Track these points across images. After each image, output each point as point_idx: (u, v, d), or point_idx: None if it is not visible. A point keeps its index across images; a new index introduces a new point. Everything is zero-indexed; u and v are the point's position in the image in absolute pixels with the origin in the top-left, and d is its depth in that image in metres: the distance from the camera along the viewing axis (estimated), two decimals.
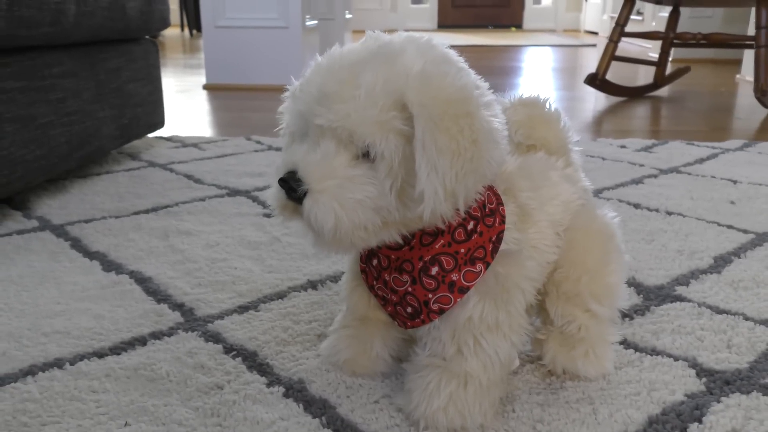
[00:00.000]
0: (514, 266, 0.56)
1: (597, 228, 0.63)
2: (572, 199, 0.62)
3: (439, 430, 0.56)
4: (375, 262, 0.58)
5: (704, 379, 0.63)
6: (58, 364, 0.66)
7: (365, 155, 0.49)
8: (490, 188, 0.56)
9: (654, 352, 0.68)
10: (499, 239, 0.55)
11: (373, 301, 0.63)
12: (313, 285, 0.84)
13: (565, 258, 0.61)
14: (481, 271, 0.54)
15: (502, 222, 0.56)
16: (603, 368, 0.64)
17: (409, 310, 0.57)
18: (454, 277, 0.54)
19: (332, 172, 0.49)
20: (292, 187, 0.49)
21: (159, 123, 1.62)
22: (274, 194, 0.52)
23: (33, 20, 1.03)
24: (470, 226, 0.54)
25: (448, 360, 0.57)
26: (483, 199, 0.54)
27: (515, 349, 0.58)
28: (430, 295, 0.55)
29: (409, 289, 0.55)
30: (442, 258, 0.54)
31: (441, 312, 0.55)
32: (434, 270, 0.54)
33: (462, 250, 0.54)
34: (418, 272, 0.55)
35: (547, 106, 0.65)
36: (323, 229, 0.49)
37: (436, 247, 0.54)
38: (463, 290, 0.54)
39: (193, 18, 6.05)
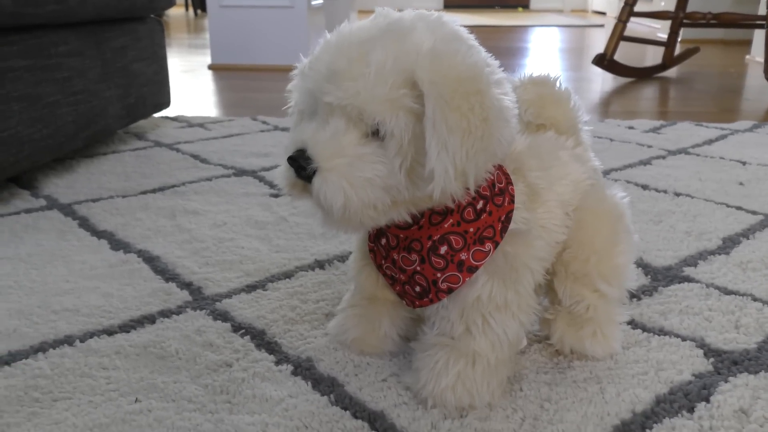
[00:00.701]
0: (523, 246, 0.56)
1: (606, 208, 0.63)
2: (582, 179, 0.61)
3: (447, 409, 0.56)
4: (384, 241, 0.58)
5: (712, 359, 0.63)
6: (68, 341, 0.66)
7: (375, 133, 0.49)
8: (500, 167, 0.56)
9: (662, 332, 0.68)
10: (509, 219, 0.55)
11: (381, 281, 0.63)
12: (320, 264, 0.84)
13: (574, 238, 0.61)
14: (490, 250, 0.54)
15: (512, 201, 0.55)
16: (611, 348, 0.64)
17: (417, 289, 0.57)
18: (463, 256, 0.54)
19: (341, 150, 0.48)
20: (301, 165, 0.49)
21: (165, 103, 1.62)
22: (282, 172, 0.51)
23: None
24: (479, 205, 0.54)
25: (456, 339, 0.57)
26: (492, 178, 0.54)
27: (523, 328, 0.58)
28: (438, 275, 0.55)
29: (418, 268, 0.55)
30: (451, 237, 0.54)
31: (449, 291, 0.55)
32: (443, 249, 0.54)
33: (471, 230, 0.54)
34: (427, 251, 0.55)
35: (558, 84, 0.65)
36: (332, 207, 0.48)
37: (445, 226, 0.54)
38: (472, 269, 0.54)
39: None
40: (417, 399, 0.58)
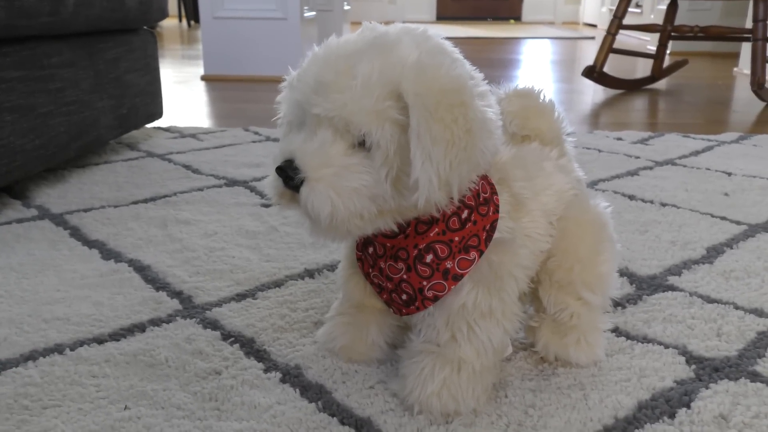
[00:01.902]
0: (508, 254, 0.57)
1: (589, 218, 0.64)
2: (565, 189, 0.63)
3: (432, 415, 0.57)
4: (371, 250, 0.59)
5: (694, 366, 0.64)
6: (58, 349, 0.67)
7: (361, 144, 0.50)
8: (485, 177, 0.57)
9: (645, 339, 0.69)
10: (493, 228, 0.56)
11: (369, 289, 0.64)
12: (310, 274, 0.85)
13: (558, 247, 0.62)
14: (474, 259, 0.55)
15: (496, 211, 0.57)
16: (594, 355, 0.65)
17: (404, 297, 0.58)
18: (449, 264, 0.55)
19: (329, 160, 0.50)
20: (289, 175, 0.50)
21: (157, 113, 1.63)
22: (271, 182, 0.52)
23: (32, 10, 1.04)
24: (464, 214, 0.55)
25: (442, 346, 0.58)
26: (477, 188, 0.55)
27: (508, 336, 0.59)
28: (424, 283, 0.56)
29: (404, 276, 0.56)
30: (437, 246, 0.55)
31: (435, 299, 0.56)
32: (429, 258, 0.55)
33: (456, 239, 0.55)
34: (413, 260, 0.56)
35: (541, 97, 0.66)
36: (320, 216, 0.49)
37: (431, 235, 0.55)
38: (457, 278, 0.55)
39: (191, 9, 6.03)
40: (403, 405, 0.58)
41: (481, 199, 0.56)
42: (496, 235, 0.56)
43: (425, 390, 0.57)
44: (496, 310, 0.57)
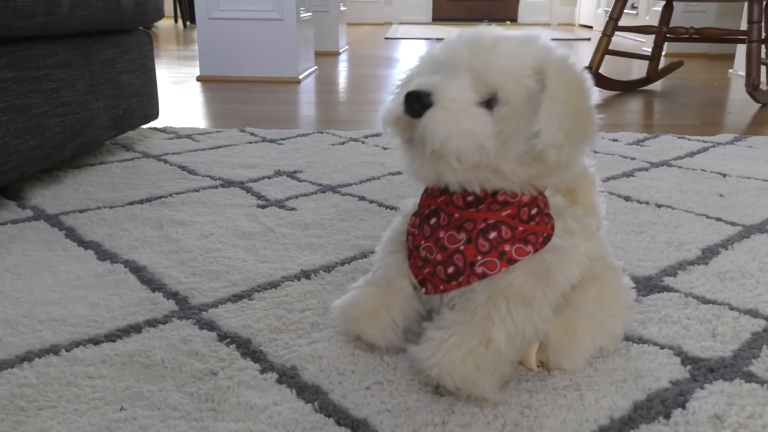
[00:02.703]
0: (559, 258, 0.60)
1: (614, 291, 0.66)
2: (595, 257, 0.65)
3: (451, 379, 0.57)
4: (433, 221, 0.61)
5: (689, 367, 0.65)
6: (54, 350, 0.66)
7: (488, 103, 0.55)
8: (546, 202, 0.61)
9: (641, 340, 0.70)
10: (547, 240, 0.60)
11: (404, 269, 0.65)
12: (306, 275, 0.85)
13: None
14: (531, 252, 0.59)
15: (553, 228, 0.61)
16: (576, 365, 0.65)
17: (450, 270, 0.60)
18: (507, 248, 0.59)
19: (460, 99, 0.55)
20: (421, 97, 0.54)
21: (153, 114, 1.63)
22: (390, 108, 0.57)
23: (27, 10, 1.04)
24: (534, 211, 0.60)
25: (475, 321, 0.58)
26: (545, 200, 0.61)
27: (535, 336, 0.60)
28: (479, 257, 0.58)
29: (461, 247, 0.59)
30: (503, 227, 0.59)
31: (483, 276, 0.58)
32: (492, 234, 0.59)
33: (520, 228, 0.59)
34: (477, 232, 0.59)
35: (590, 170, 0.71)
36: (434, 140, 0.54)
37: (502, 214, 0.59)
38: (511, 261, 0.58)
39: (187, 10, 6.03)
40: (419, 368, 0.59)
41: (546, 210, 0.61)
42: (553, 241, 0.60)
43: (450, 354, 0.57)
44: (536, 302, 0.58)
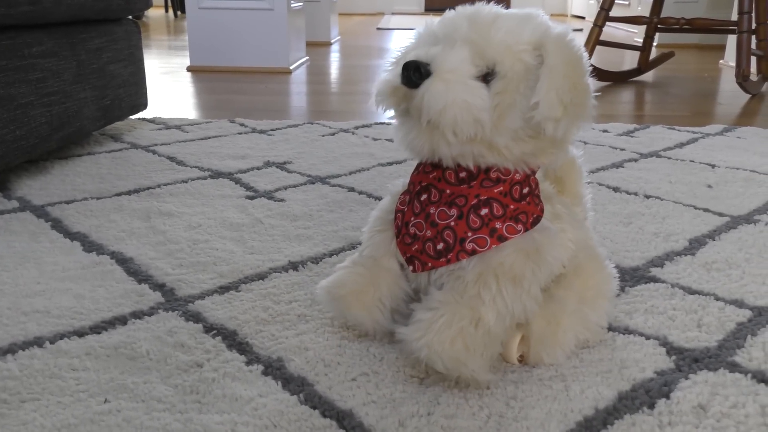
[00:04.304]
0: (548, 239, 0.60)
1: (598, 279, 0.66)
2: (576, 248, 0.65)
3: (441, 361, 0.56)
4: (424, 197, 0.61)
5: (674, 357, 0.65)
6: (38, 342, 0.66)
7: (485, 77, 0.55)
8: (537, 183, 0.61)
9: (627, 331, 0.70)
10: (537, 221, 0.60)
11: (391, 248, 0.65)
12: (294, 266, 0.85)
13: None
14: (521, 230, 0.59)
15: (542, 211, 0.61)
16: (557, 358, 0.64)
17: (440, 246, 0.59)
18: (498, 225, 0.59)
19: (458, 70, 0.55)
20: (418, 67, 0.54)
21: (142, 105, 1.62)
22: (386, 79, 0.57)
23: None
24: (525, 190, 0.60)
25: (464, 300, 0.58)
26: (537, 182, 0.61)
27: (524, 316, 0.60)
28: (469, 234, 0.58)
29: (452, 223, 0.59)
30: (495, 204, 0.59)
31: (473, 253, 0.58)
32: (483, 211, 0.59)
33: (512, 206, 0.59)
34: (469, 208, 0.59)
35: (579, 160, 0.71)
36: (430, 110, 0.54)
37: (495, 191, 0.59)
38: (502, 239, 0.58)
39: None
40: (408, 350, 0.59)
41: (537, 191, 0.61)
42: (543, 222, 0.60)
43: (439, 335, 0.57)
44: (525, 280, 0.58)
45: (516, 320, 0.60)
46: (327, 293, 0.67)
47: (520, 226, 0.59)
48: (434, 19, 0.61)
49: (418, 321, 0.59)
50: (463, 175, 0.60)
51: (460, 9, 0.59)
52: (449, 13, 0.60)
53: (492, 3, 0.60)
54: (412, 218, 0.62)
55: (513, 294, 0.58)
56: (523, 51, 0.56)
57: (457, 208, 0.59)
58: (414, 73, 0.54)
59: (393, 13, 7.35)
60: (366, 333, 0.67)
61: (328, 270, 0.84)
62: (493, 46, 0.55)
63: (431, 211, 0.60)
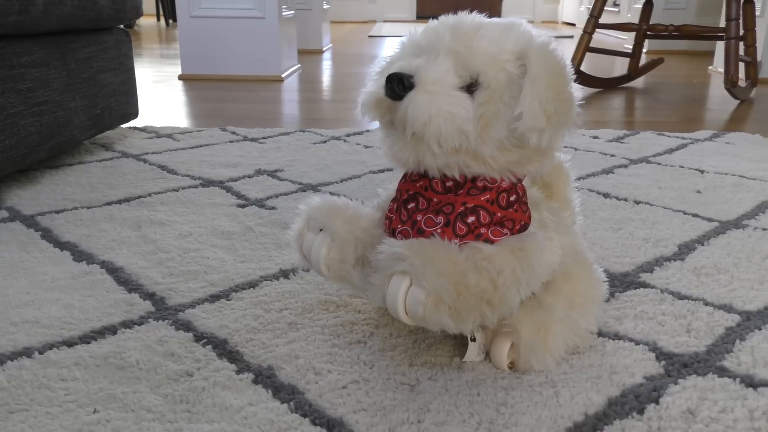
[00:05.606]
0: (536, 243, 0.60)
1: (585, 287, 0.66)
2: (570, 251, 0.65)
3: (425, 279, 0.54)
4: (411, 205, 0.61)
5: (663, 362, 0.65)
6: (26, 353, 0.66)
7: (468, 87, 0.56)
8: (524, 191, 0.62)
9: (616, 336, 0.70)
10: (524, 228, 0.60)
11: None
12: (284, 274, 0.85)
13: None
14: (507, 233, 0.59)
15: (530, 218, 0.61)
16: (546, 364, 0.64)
17: None
18: (483, 231, 0.59)
19: (441, 82, 0.55)
20: (402, 79, 0.54)
21: (132, 113, 1.61)
22: (371, 91, 0.58)
23: (1, 9, 1.02)
24: (512, 198, 0.60)
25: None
26: (524, 189, 0.61)
27: (519, 297, 0.58)
28: (456, 241, 0.58)
29: (438, 231, 0.59)
30: (482, 212, 0.59)
31: None
32: (470, 219, 0.59)
33: (498, 214, 0.59)
34: (456, 216, 0.59)
35: (566, 165, 0.72)
36: (415, 122, 0.54)
37: (481, 199, 0.59)
38: (487, 242, 0.59)
39: (169, 8, 5.98)
40: (386, 266, 0.57)
41: (524, 198, 0.61)
42: (530, 229, 0.61)
43: (422, 256, 0.55)
44: (502, 277, 0.56)
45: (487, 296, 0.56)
46: (308, 206, 0.68)
47: (506, 231, 0.60)
48: (418, 29, 0.62)
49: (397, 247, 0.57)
50: (449, 184, 0.60)
51: (443, 19, 0.60)
52: (432, 23, 0.60)
53: (475, 12, 0.60)
54: (399, 225, 0.62)
55: (501, 260, 0.56)
56: (506, 61, 0.56)
57: (444, 216, 0.60)
58: (397, 85, 0.55)
59: (385, 21, 7.37)
60: (340, 255, 0.65)
61: (319, 278, 0.84)
62: (477, 57, 0.56)
63: (418, 218, 0.61)
